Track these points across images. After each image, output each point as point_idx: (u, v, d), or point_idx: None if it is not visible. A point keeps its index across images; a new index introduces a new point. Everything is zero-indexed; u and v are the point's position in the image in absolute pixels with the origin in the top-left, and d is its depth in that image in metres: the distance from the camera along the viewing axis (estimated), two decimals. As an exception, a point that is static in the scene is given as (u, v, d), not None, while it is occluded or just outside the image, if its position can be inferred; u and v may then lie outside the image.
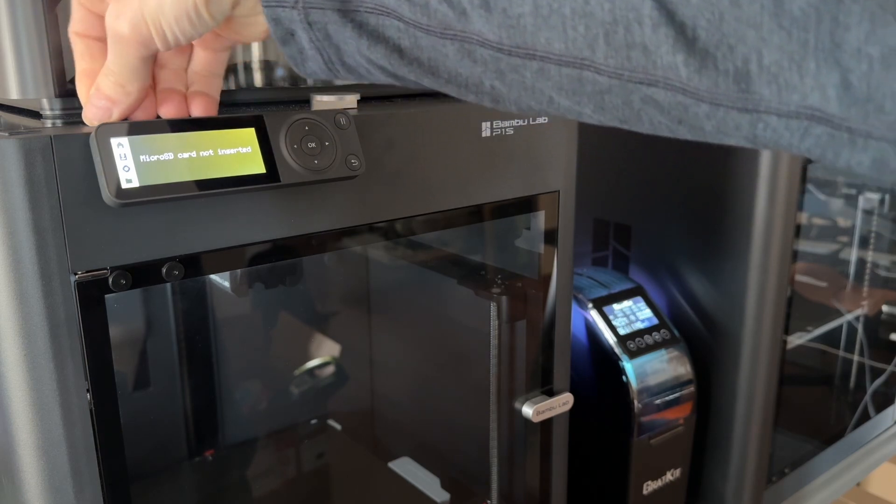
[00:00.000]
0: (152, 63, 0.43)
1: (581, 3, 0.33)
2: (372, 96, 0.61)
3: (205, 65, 0.46)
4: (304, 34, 0.39)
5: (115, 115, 0.43)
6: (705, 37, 0.31)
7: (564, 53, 0.34)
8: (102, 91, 0.43)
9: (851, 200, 1.22)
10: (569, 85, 0.35)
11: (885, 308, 1.30)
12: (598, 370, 0.90)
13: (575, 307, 0.89)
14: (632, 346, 0.88)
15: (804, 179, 0.91)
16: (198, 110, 0.46)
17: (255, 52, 0.56)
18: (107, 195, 0.41)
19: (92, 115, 0.43)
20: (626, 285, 0.94)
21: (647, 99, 0.34)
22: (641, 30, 0.32)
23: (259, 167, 0.46)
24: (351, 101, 0.56)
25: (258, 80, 0.57)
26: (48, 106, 0.48)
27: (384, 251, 0.82)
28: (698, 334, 0.97)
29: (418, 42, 0.37)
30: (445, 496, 0.82)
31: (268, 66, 0.56)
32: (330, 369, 0.86)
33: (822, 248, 1.20)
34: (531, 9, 0.34)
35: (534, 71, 0.35)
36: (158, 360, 0.73)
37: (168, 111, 0.45)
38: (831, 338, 1.23)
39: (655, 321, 0.92)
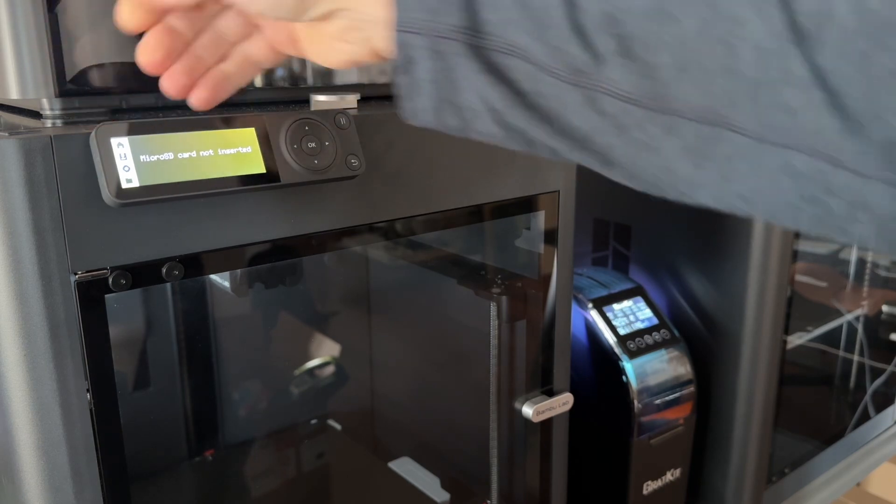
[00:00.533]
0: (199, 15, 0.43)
1: (726, 58, 0.32)
2: (372, 96, 0.62)
3: (257, 51, 0.45)
4: (426, 63, 0.38)
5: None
6: (856, 105, 0.30)
7: (702, 109, 0.33)
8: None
9: (851, 200, 1.22)
10: (698, 145, 0.33)
11: (885, 308, 1.30)
12: (598, 370, 0.90)
13: (575, 307, 0.89)
14: (632, 346, 0.88)
15: (804, 179, 0.91)
16: (198, 101, 0.44)
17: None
18: (107, 195, 0.41)
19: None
20: (626, 285, 0.94)
21: (785, 166, 0.32)
22: (791, 91, 0.31)
23: (259, 167, 0.46)
24: (351, 101, 0.56)
25: (258, 80, 0.57)
26: (48, 106, 0.48)
27: (384, 251, 0.82)
28: (698, 334, 0.97)
29: (540, 87, 0.36)
30: (445, 496, 0.82)
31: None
32: (330, 369, 0.86)
33: (822, 248, 1.20)
34: (671, 60, 0.32)
35: (663, 127, 0.34)
36: (158, 360, 0.73)
37: (174, 86, 0.43)
38: (831, 338, 1.23)
39: (655, 321, 0.92)
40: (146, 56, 0.42)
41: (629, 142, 0.35)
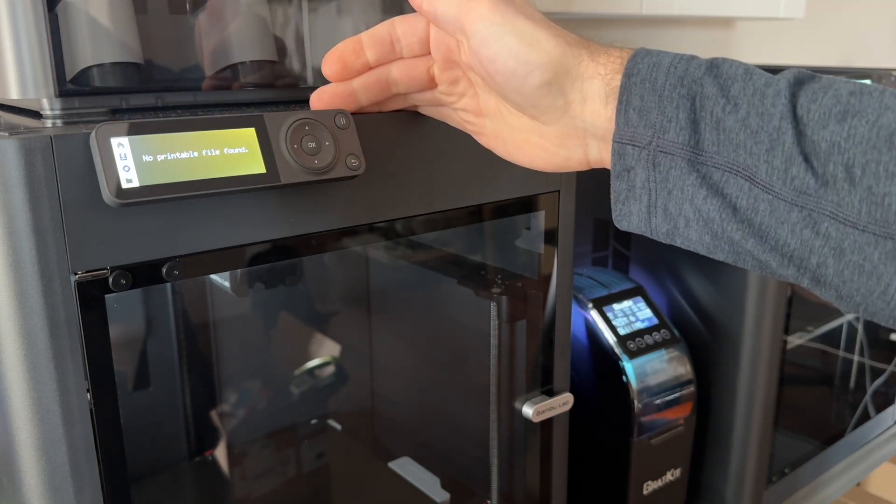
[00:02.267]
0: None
1: None
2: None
3: (432, 100, 0.52)
4: (642, 173, 0.41)
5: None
6: None
7: None
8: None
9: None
10: None
11: (885, 308, 1.30)
12: (598, 370, 0.90)
13: (575, 307, 0.89)
14: (632, 346, 0.88)
15: (804, 179, 0.91)
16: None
17: (255, 51, 0.56)
18: (107, 195, 0.41)
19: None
20: (626, 285, 0.94)
21: None
22: None
23: (259, 167, 0.46)
24: (351, 101, 0.56)
25: (258, 80, 0.57)
26: (48, 106, 0.48)
27: (384, 251, 0.82)
28: (698, 334, 0.97)
29: (758, 204, 0.37)
30: (445, 496, 0.82)
31: (268, 66, 0.56)
32: (330, 369, 0.86)
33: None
34: None
35: (886, 251, 0.34)
36: (158, 360, 0.73)
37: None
38: (831, 338, 1.23)
39: (655, 321, 0.92)
40: (328, 63, 0.49)
41: (847, 263, 0.36)
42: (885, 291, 0.35)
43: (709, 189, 0.39)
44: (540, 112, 0.44)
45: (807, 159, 0.36)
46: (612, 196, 0.43)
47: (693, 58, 0.40)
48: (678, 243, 0.42)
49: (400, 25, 0.48)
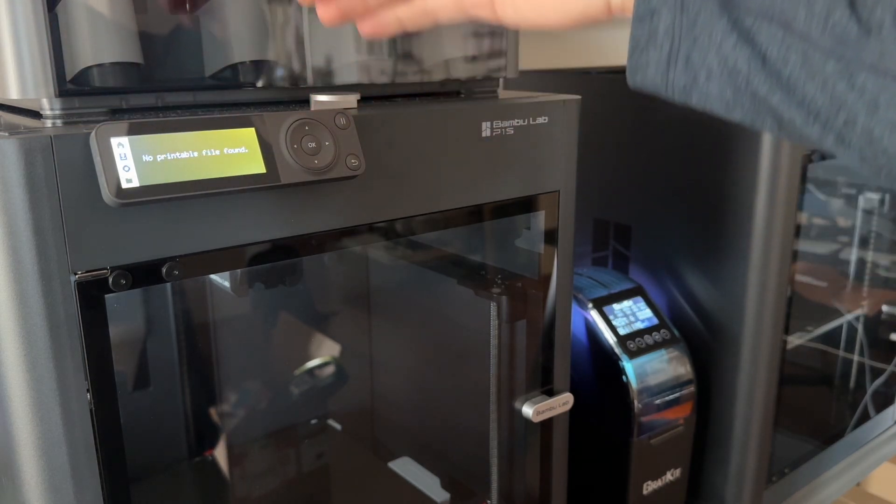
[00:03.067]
0: None
1: None
2: (372, 96, 0.61)
3: (441, 7, 0.46)
4: (668, 16, 0.37)
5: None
6: None
7: None
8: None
9: (851, 200, 1.22)
10: None
11: (885, 308, 1.30)
12: (598, 370, 0.90)
13: (575, 307, 0.89)
14: (632, 346, 0.88)
15: (804, 179, 0.91)
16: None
17: (255, 51, 0.56)
18: (107, 195, 0.41)
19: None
20: (626, 285, 0.94)
21: None
22: None
23: (259, 167, 0.46)
24: (351, 101, 0.56)
25: (258, 80, 0.57)
26: (48, 106, 0.48)
27: (384, 251, 0.82)
28: (698, 334, 0.97)
29: (791, 54, 0.35)
30: (445, 496, 0.82)
31: (268, 66, 0.56)
32: (330, 369, 0.86)
33: (822, 248, 1.20)
34: None
35: None
36: (158, 360, 0.73)
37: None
38: (831, 338, 1.23)
39: (655, 321, 0.92)
40: (323, 13, 0.46)
41: (878, 121, 0.34)
42: None
43: (739, 36, 0.36)
44: None
45: (852, 4, 0.33)
46: (629, 44, 0.39)
47: None
48: (693, 101, 0.39)
49: None
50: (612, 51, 1.41)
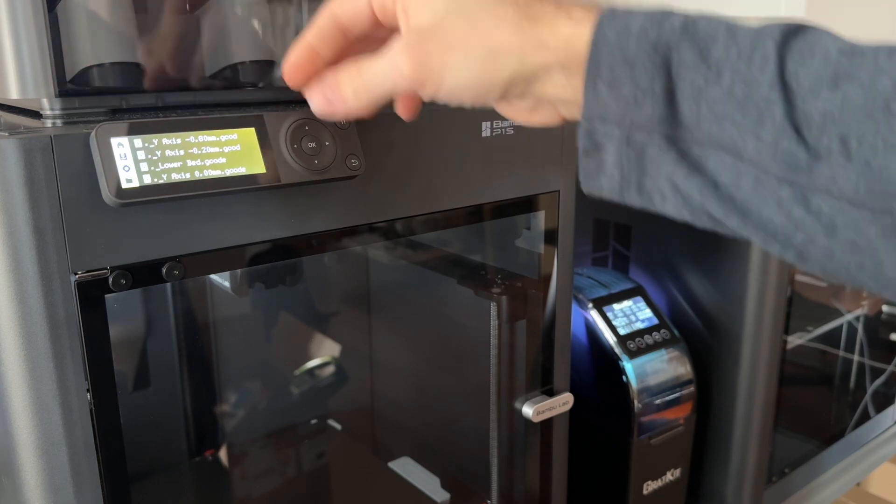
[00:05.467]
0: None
1: None
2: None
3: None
4: (614, 151, 0.37)
5: (338, 116, 0.44)
6: None
7: None
8: (342, 92, 0.42)
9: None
10: None
11: (885, 308, 1.30)
12: (598, 370, 0.90)
13: (575, 307, 0.89)
14: (632, 346, 0.88)
15: (804, 179, 0.91)
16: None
17: (255, 51, 0.56)
18: (107, 195, 0.41)
19: (319, 105, 0.44)
20: (626, 285, 0.94)
21: None
22: None
23: (259, 167, 0.46)
24: (351, 101, 0.56)
25: (258, 80, 0.57)
26: (48, 106, 0.48)
27: (384, 251, 0.82)
28: (698, 334, 0.97)
29: (741, 180, 0.35)
30: (445, 496, 0.82)
31: (268, 66, 0.56)
32: (330, 369, 0.86)
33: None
34: None
35: (884, 227, 0.32)
36: (158, 360, 0.73)
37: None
38: (831, 338, 1.23)
39: (655, 321, 0.92)
40: (288, 77, 0.44)
41: (838, 241, 0.33)
42: (879, 268, 0.33)
43: (689, 166, 0.36)
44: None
45: (798, 132, 0.33)
46: (580, 171, 0.39)
47: (666, 16, 0.36)
48: (653, 211, 0.39)
49: (341, 13, 0.43)
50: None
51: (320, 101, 0.44)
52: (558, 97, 0.39)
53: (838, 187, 0.32)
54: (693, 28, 0.35)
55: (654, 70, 0.35)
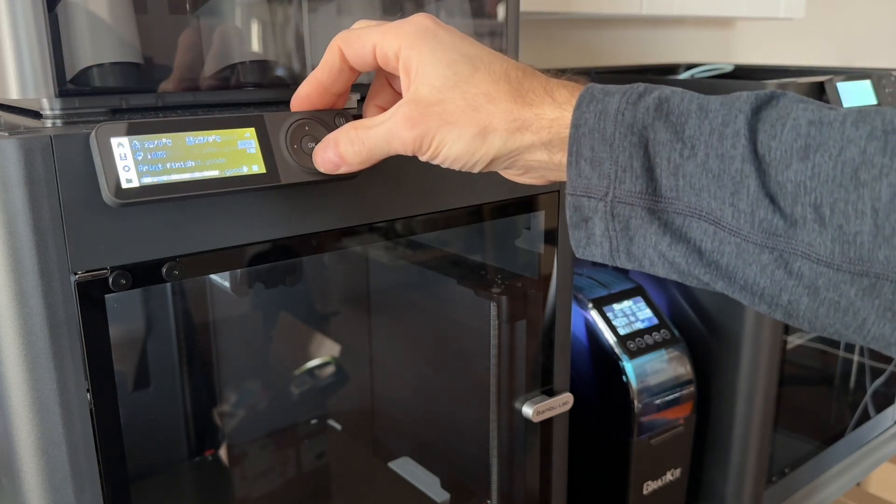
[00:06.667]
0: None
1: None
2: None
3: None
4: (600, 223, 0.40)
5: (340, 171, 0.46)
6: None
7: None
8: (342, 152, 0.45)
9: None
10: None
11: (885, 308, 1.30)
12: (598, 370, 0.90)
13: (575, 307, 0.89)
14: (632, 346, 0.88)
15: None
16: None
17: (255, 51, 0.56)
18: (107, 195, 0.41)
19: (321, 164, 0.46)
20: (626, 285, 0.94)
21: None
22: None
23: (259, 167, 0.46)
24: (351, 101, 0.56)
25: (258, 80, 0.57)
26: (48, 106, 0.48)
27: (384, 251, 0.82)
28: (698, 334, 0.97)
29: (723, 247, 0.37)
30: (445, 496, 0.82)
31: (268, 66, 0.56)
32: (330, 369, 0.86)
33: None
34: (871, 228, 0.33)
35: (862, 288, 0.34)
36: (158, 360, 0.73)
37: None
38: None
39: (655, 321, 0.92)
40: (298, 109, 0.48)
41: (820, 302, 0.35)
42: (862, 326, 0.35)
43: (672, 235, 0.38)
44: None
45: (773, 201, 0.35)
46: (571, 241, 0.42)
47: (640, 97, 0.39)
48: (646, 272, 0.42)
49: (348, 51, 0.45)
50: (613, 50, 1.41)
51: (322, 160, 0.46)
52: (543, 168, 0.42)
53: (815, 252, 0.34)
54: (667, 106, 0.38)
55: (632, 149, 0.38)
